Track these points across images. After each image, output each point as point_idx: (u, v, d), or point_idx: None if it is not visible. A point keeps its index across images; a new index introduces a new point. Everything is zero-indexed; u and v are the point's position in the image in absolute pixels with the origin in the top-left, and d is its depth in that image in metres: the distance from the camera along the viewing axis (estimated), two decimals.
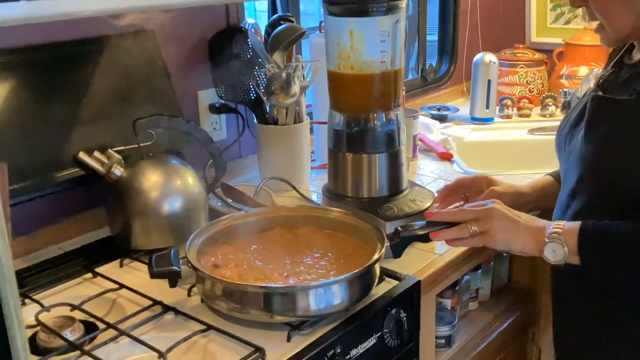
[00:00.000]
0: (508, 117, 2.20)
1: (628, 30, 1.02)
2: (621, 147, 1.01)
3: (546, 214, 1.20)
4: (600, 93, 1.08)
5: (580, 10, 2.39)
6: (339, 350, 0.99)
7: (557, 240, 1.00)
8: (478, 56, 2.14)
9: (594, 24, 1.07)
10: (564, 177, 1.16)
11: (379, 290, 1.10)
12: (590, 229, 1.00)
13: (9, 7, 0.71)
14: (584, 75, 2.16)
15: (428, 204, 1.32)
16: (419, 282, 1.14)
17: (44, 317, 1.01)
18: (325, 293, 0.99)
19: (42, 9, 0.72)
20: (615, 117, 1.03)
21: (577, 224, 1.01)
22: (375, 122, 1.30)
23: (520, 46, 2.39)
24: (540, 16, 2.48)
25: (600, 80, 1.12)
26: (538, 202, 1.29)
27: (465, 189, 1.32)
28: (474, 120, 2.15)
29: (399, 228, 1.10)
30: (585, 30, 2.29)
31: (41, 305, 1.06)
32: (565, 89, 2.05)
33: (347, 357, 1.01)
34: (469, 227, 1.04)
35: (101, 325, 1.01)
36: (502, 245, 1.05)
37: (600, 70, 1.22)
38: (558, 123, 2.04)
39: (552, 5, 2.45)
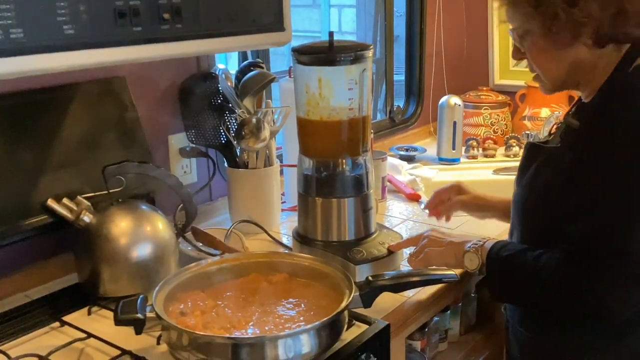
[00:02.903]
0: (474, 157, 2.25)
1: (561, 81, 1.12)
2: (541, 191, 1.11)
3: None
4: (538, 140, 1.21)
5: None
6: None
7: (475, 252, 1.15)
8: (443, 99, 2.20)
9: (533, 74, 1.16)
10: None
11: (349, 335, 1.11)
12: (498, 247, 1.13)
13: None
14: (546, 117, 2.23)
15: None
16: (388, 326, 1.15)
17: None
18: (294, 342, 0.99)
19: (17, 66, 0.73)
20: (540, 162, 1.13)
21: (494, 241, 1.15)
22: (344, 167, 1.32)
23: (484, 88, 2.46)
24: (502, 59, 2.56)
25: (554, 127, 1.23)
26: (502, 216, 1.41)
27: (447, 196, 1.47)
28: (441, 160, 2.20)
29: (370, 277, 1.12)
30: None
31: (7, 356, 1.04)
32: (528, 132, 2.12)
33: None
34: (411, 254, 1.26)
35: None
36: (439, 264, 1.21)
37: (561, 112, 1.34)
38: None
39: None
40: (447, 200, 1.47)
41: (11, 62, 0.72)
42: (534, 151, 1.16)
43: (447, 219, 1.50)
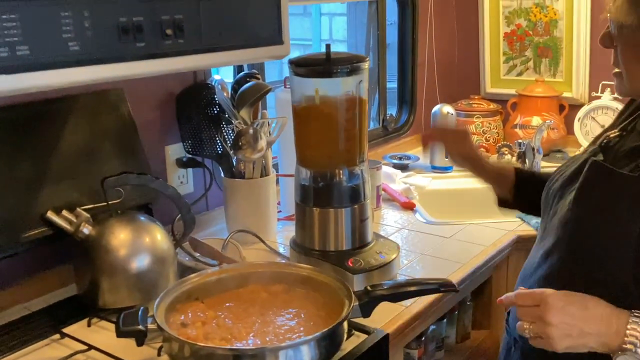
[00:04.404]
0: None
1: None
2: (609, 221, 0.97)
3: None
4: (600, 157, 1.04)
5: (531, 63, 2.52)
6: None
7: (634, 352, 0.89)
8: (436, 108, 2.22)
9: (616, 69, 1.04)
10: (542, 234, 1.13)
11: (349, 344, 1.12)
12: None
13: None
14: (537, 125, 2.26)
15: (394, 256, 1.36)
16: (387, 336, 1.16)
17: None
18: (295, 353, 1.00)
19: (23, 82, 0.74)
20: (611, 190, 0.98)
21: None
22: (341, 177, 1.34)
23: (476, 97, 2.49)
24: (493, 68, 2.59)
25: (604, 141, 1.08)
26: (491, 181, 1.38)
27: (452, 138, 1.40)
28: (434, 168, 2.22)
29: (369, 287, 1.12)
30: (536, 82, 2.41)
31: None
32: (520, 140, 2.14)
33: None
34: (526, 328, 0.93)
35: None
36: (566, 350, 0.93)
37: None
38: None
39: (505, 57, 2.57)
40: (449, 140, 1.41)
41: (18, 78, 0.73)
42: (602, 173, 1.00)
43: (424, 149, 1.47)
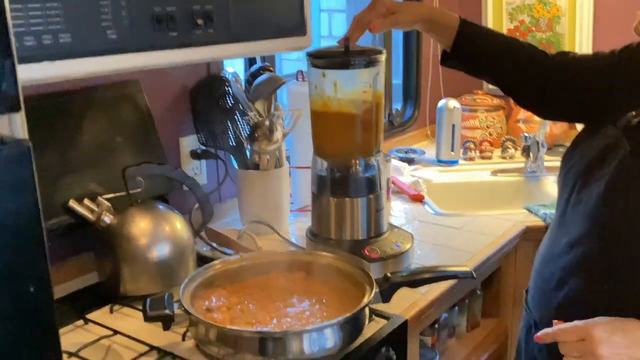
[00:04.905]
0: (471, 159, 2.30)
1: None
2: None
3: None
4: (626, 146, 1.03)
5: None
6: None
7: None
8: (442, 102, 2.25)
9: None
10: (562, 218, 1.13)
11: (369, 329, 1.14)
12: None
13: (31, 69, 0.75)
14: (540, 120, 2.29)
15: (409, 246, 1.39)
16: (406, 322, 1.19)
17: None
18: (319, 337, 1.02)
19: (65, 69, 0.76)
20: None
21: None
22: (357, 167, 1.36)
23: (479, 92, 2.52)
24: None
25: (630, 123, 1.05)
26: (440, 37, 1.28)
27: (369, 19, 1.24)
28: (440, 162, 2.25)
29: (389, 274, 1.15)
30: None
31: None
32: (525, 134, 2.17)
33: None
34: None
35: None
36: None
37: None
38: (518, 165, 2.18)
39: None
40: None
41: (60, 65, 0.75)
42: (635, 169, 1.00)
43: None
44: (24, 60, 0.70)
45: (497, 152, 2.36)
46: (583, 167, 1.09)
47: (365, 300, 1.08)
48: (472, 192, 2.10)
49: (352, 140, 1.35)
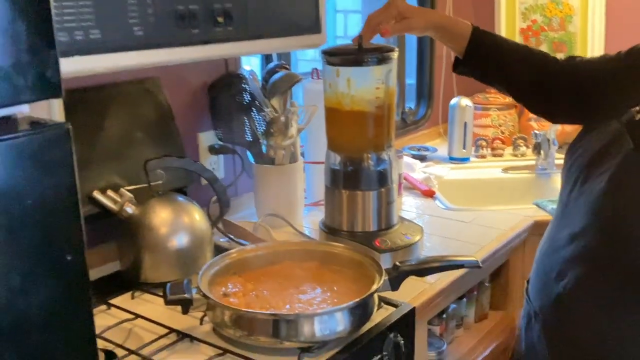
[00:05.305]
0: (483, 156, 2.34)
1: None
2: None
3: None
4: (630, 143, 1.06)
5: None
6: None
7: None
8: (454, 100, 2.29)
9: None
10: (563, 210, 1.16)
11: (378, 316, 1.19)
12: None
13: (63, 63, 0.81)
14: None
15: (418, 237, 1.43)
16: (413, 309, 1.23)
17: None
18: (330, 320, 1.07)
19: (95, 64, 0.81)
20: None
21: None
22: (369, 161, 1.41)
23: (492, 91, 2.55)
24: None
25: (633, 118, 1.09)
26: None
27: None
28: (452, 159, 2.29)
29: (397, 263, 1.20)
30: None
31: None
32: (536, 131, 2.21)
33: None
34: None
35: (122, 352, 1.08)
36: None
37: None
38: (529, 163, 2.21)
39: None
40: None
41: (90, 60, 0.80)
42: (636, 164, 1.03)
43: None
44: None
45: (509, 149, 2.40)
46: (586, 160, 1.12)
47: (374, 287, 1.12)
48: (482, 189, 2.14)
49: (365, 136, 1.39)
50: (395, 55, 1.35)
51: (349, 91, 1.35)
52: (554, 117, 1.39)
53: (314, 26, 1.16)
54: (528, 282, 1.23)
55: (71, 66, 0.79)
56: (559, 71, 1.27)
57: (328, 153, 1.44)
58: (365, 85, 1.35)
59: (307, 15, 1.14)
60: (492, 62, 1.30)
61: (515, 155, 2.35)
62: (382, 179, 1.42)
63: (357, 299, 1.09)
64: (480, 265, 1.22)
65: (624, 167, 1.05)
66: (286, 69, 1.64)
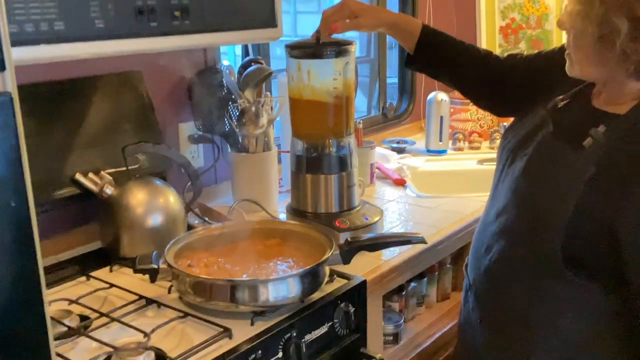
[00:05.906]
0: (460, 149, 2.44)
1: (593, 79, 1.12)
2: (550, 194, 1.08)
3: None
4: (550, 127, 1.13)
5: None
6: (294, 334, 1.18)
7: None
8: (431, 95, 2.39)
9: (566, 50, 1.12)
10: (494, 192, 1.26)
11: (330, 287, 1.29)
12: None
13: (30, 50, 0.93)
14: None
15: (377, 218, 1.54)
16: (365, 281, 1.34)
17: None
18: (282, 285, 1.18)
19: (59, 52, 0.93)
20: (556, 164, 1.08)
21: None
22: (331, 148, 1.52)
23: None
24: None
25: (557, 106, 1.17)
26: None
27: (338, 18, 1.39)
28: (429, 152, 2.39)
29: (349, 239, 1.31)
30: None
31: None
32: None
33: (302, 340, 1.20)
34: None
35: (95, 315, 1.20)
36: None
37: None
38: None
39: (501, 50, 2.72)
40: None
41: (55, 48, 0.92)
42: (550, 147, 1.11)
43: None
44: (24, 43, 0.88)
45: (486, 143, 2.49)
46: (514, 144, 1.22)
47: (324, 257, 1.23)
48: (456, 179, 2.23)
49: (325, 124, 1.51)
50: (352, 48, 1.46)
51: (309, 82, 1.46)
52: (497, 112, 1.49)
53: (270, 21, 1.27)
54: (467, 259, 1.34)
55: (38, 53, 0.91)
56: (502, 67, 1.37)
57: (293, 140, 1.56)
58: (324, 77, 1.46)
59: (263, 11, 1.25)
60: (440, 58, 1.40)
61: (492, 148, 2.44)
62: (343, 163, 1.53)
63: (307, 267, 1.20)
64: (426, 241, 1.32)
65: (539, 149, 1.14)
66: (259, 63, 1.75)
